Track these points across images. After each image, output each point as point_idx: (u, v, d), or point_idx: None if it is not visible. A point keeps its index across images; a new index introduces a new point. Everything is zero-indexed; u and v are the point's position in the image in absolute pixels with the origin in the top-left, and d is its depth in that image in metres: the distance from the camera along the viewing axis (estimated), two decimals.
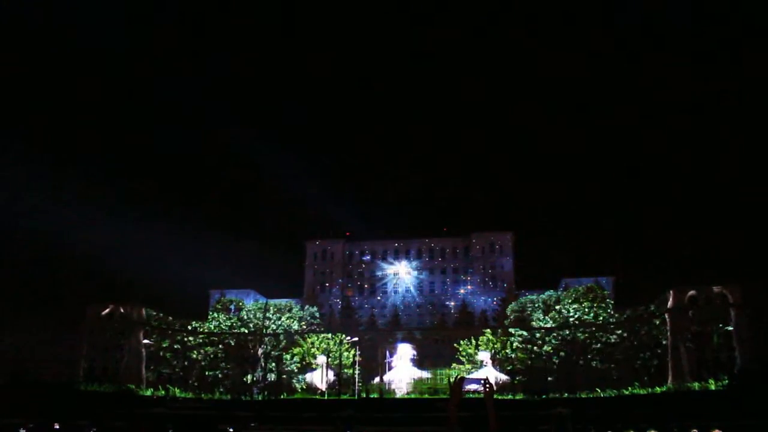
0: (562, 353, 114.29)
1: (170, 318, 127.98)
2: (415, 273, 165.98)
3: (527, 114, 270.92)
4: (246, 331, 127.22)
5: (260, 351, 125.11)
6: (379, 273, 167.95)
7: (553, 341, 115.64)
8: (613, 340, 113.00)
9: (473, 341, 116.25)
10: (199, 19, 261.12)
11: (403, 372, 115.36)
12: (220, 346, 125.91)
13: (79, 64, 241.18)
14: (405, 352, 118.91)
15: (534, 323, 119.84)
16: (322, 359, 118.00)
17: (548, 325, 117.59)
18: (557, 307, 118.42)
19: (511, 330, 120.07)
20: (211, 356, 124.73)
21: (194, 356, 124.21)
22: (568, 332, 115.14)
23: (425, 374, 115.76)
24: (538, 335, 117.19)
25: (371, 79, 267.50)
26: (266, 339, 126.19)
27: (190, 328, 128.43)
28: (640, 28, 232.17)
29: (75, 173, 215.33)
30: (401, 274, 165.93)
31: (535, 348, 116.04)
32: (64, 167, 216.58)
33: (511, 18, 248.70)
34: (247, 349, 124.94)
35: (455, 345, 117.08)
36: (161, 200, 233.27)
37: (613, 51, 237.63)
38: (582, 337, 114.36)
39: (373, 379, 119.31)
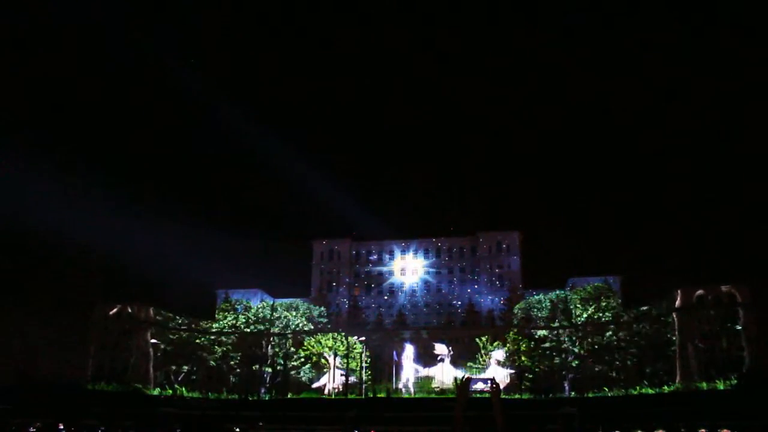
0: (570, 353, 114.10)
1: (177, 318, 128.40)
2: (422, 272, 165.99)
3: (533, 114, 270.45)
4: (254, 330, 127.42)
5: (268, 351, 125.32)
6: (385, 272, 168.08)
7: (563, 341, 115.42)
8: (621, 340, 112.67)
9: (490, 340, 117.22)
10: (201, 16, 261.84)
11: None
12: (228, 345, 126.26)
13: (81, 63, 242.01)
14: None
15: (542, 323, 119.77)
16: (331, 359, 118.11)
17: (556, 326, 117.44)
18: (561, 307, 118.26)
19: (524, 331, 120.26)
20: (219, 356, 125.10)
21: (202, 356, 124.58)
22: (576, 332, 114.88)
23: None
24: (546, 335, 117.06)
25: (377, 78, 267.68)
26: (274, 339, 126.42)
27: (197, 327, 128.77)
28: (639, 27, 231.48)
29: (81, 173, 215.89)
30: (408, 274, 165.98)
31: (545, 349, 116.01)
32: (69, 167, 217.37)
33: (516, 18, 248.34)
34: (254, 349, 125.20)
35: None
36: (168, 200, 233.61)
37: (614, 50, 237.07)
38: (590, 338, 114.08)
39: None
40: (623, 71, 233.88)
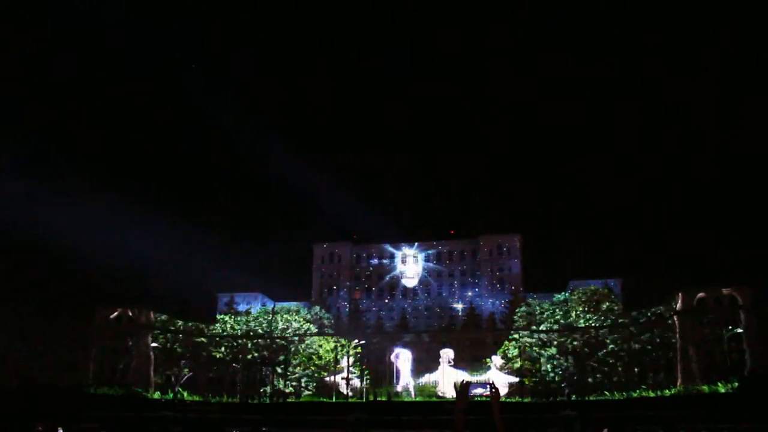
0: (570, 356, 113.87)
1: (178, 321, 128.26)
2: (423, 276, 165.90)
3: (533, 116, 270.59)
4: (254, 333, 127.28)
5: (268, 354, 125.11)
6: (386, 276, 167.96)
7: (560, 342, 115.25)
8: (621, 343, 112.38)
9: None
10: (201, 16, 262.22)
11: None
12: (229, 348, 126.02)
13: (82, 65, 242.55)
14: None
15: (543, 326, 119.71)
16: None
17: (557, 329, 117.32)
18: (564, 313, 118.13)
19: (523, 333, 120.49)
20: (220, 359, 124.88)
21: (202, 359, 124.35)
22: (576, 335, 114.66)
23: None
24: (546, 338, 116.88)
25: (377, 80, 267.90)
26: (274, 342, 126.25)
27: (198, 331, 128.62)
28: (641, 28, 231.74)
29: (82, 177, 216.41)
30: (408, 277, 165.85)
31: (544, 352, 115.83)
32: (70, 171, 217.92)
33: (518, 18, 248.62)
34: (254, 352, 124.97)
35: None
36: (168, 204, 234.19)
37: (615, 50, 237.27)
38: (590, 340, 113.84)
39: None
40: (623, 71, 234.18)
